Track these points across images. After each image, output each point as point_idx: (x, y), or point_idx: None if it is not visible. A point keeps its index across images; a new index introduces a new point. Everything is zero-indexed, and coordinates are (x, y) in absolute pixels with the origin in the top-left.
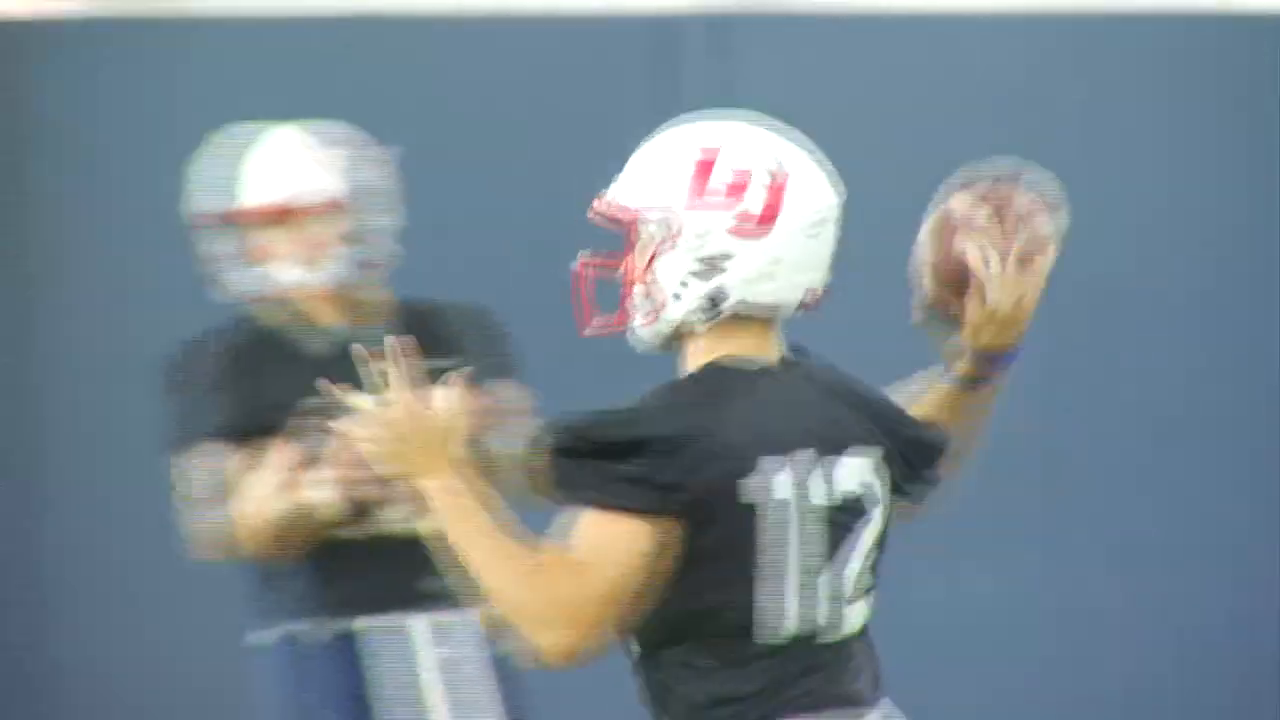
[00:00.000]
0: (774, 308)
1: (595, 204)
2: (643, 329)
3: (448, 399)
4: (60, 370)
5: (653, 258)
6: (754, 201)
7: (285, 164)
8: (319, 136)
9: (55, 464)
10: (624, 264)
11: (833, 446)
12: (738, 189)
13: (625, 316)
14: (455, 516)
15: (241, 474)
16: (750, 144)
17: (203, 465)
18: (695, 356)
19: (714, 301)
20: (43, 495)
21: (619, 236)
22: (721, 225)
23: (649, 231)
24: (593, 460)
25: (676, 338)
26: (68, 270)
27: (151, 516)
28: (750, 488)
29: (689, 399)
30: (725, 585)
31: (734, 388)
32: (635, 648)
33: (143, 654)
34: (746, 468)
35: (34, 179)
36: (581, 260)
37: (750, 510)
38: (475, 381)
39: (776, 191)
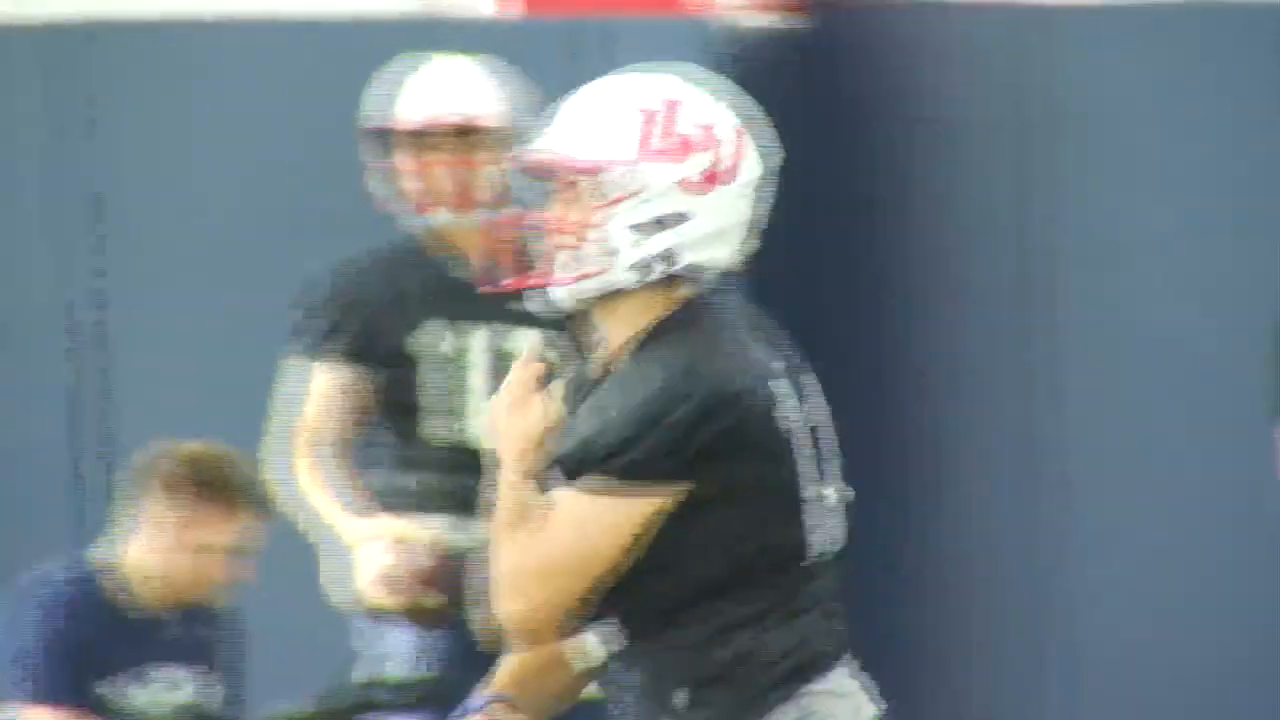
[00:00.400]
0: (715, 271)
1: (530, 154)
2: (571, 286)
3: (543, 410)
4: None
5: (598, 212)
6: (716, 157)
7: (462, 83)
8: (493, 68)
9: None
10: (554, 219)
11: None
12: (697, 143)
13: (547, 273)
14: (506, 506)
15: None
16: (708, 98)
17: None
18: (630, 316)
19: (663, 261)
20: None
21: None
22: (682, 180)
23: (602, 185)
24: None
25: (601, 298)
26: None
27: None
28: (778, 417)
29: (698, 354)
30: (774, 517)
31: (718, 324)
32: (623, 641)
33: None
34: (770, 399)
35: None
36: (511, 216)
37: (786, 438)
38: None
39: (737, 147)
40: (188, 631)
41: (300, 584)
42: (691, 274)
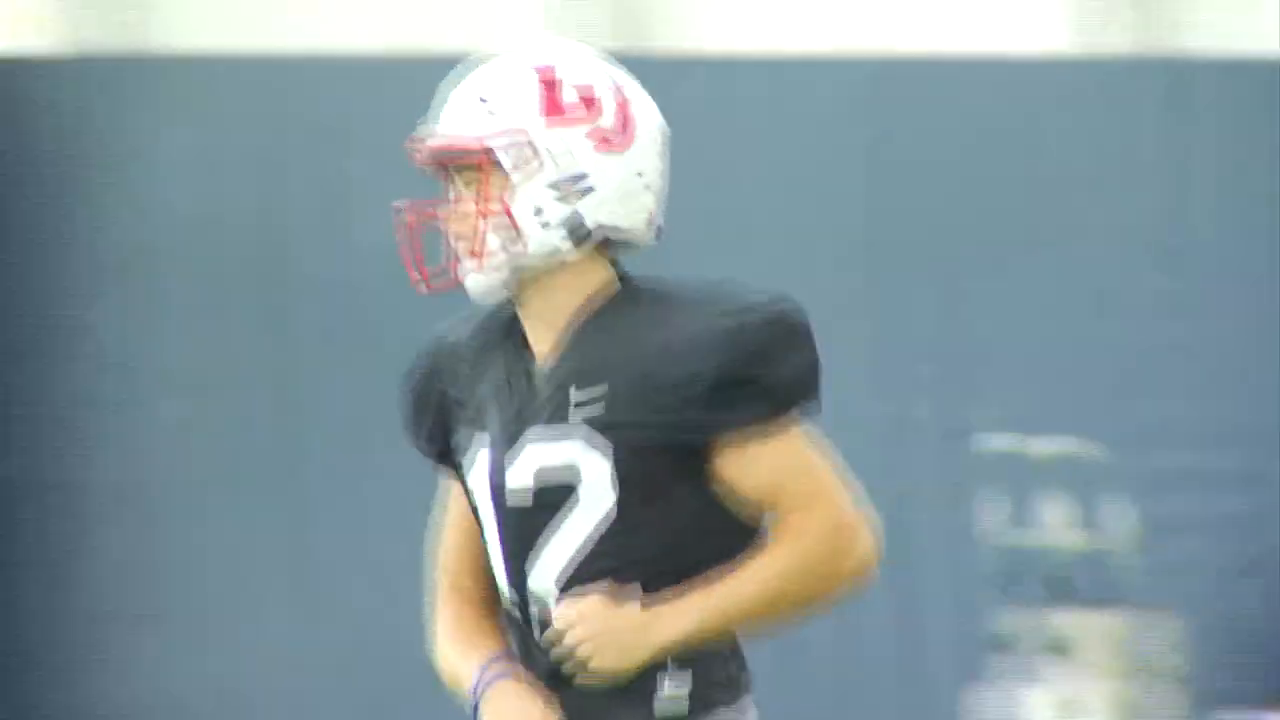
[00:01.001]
0: (635, 230)
1: (424, 144)
2: (494, 271)
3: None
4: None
5: (505, 189)
6: (609, 114)
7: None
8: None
9: None
10: (456, 206)
11: None
12: (590, 103)
13: (470, 263)
14: (706, 621)
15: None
16: (584, 59)
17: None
18: (570, 287)
19: (579, 226)
20: None
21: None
22: (582, 141)
23: (503, 161)
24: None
25: (532, 277)
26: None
27: None
28: None
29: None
30: None
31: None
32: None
33: None
34: None
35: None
36: (410, 209)
37: None
38: None
39: (624, 104)
40: None
41: None
42: (615, 235)
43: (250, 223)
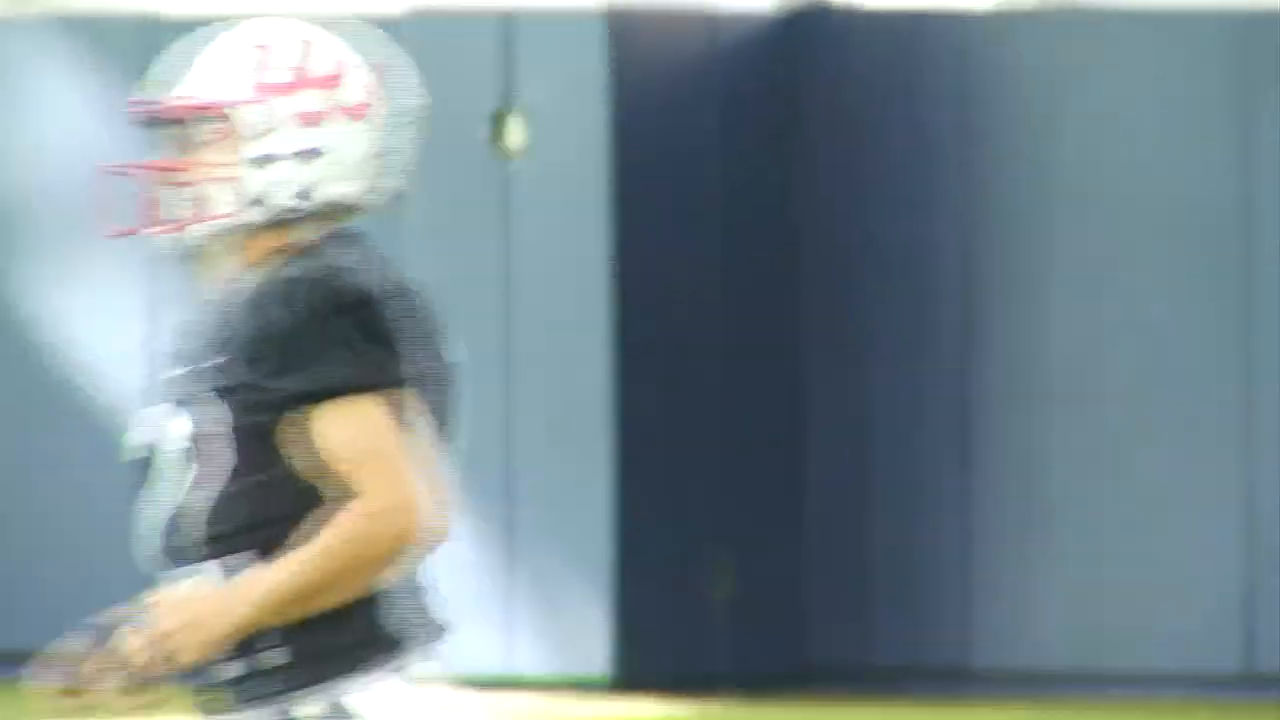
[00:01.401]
0: (359, 205)
1: (151, 102)
2: (208, 226)
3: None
4: None
5: (222, 152)
6: (351, 90)
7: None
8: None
9: None
10: (181, 162)
11: None
12: (334, 78)
13: (188, 215)
14: (260, 602)
15: None
16: (337, 36)
17: None
18: (259, 253)
19: (303, 194)
20: None
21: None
22: (302, 114)
23: (230, 124)
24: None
25: (247, 235)
26: None
27: None
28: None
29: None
30: None
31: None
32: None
33: None
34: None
35: None
36: (142, 163)
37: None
38: None
39: (370, 81)
40: None
41: None
42: (336, 210)
43: None
